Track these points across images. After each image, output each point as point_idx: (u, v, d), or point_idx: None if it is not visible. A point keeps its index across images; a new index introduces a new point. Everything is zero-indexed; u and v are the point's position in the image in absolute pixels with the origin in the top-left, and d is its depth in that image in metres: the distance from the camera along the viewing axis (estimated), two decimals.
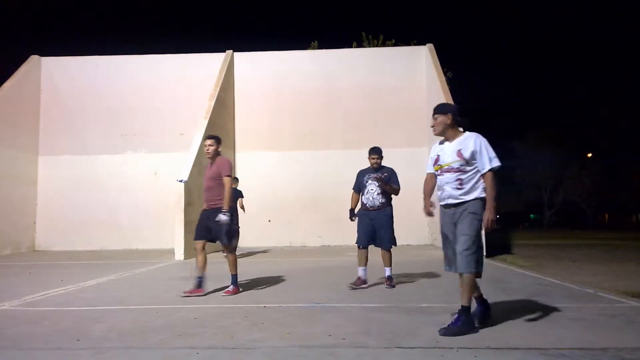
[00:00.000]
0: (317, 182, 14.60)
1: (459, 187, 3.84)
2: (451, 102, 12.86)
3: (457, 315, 3.71)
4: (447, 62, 36.31)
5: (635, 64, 62.14)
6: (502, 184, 45.12)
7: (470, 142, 3.88)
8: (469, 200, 3.83)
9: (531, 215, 61.31)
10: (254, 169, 15.37)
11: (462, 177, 3.85)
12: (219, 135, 5.83)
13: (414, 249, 12.34)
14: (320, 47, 21.38)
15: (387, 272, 5.98)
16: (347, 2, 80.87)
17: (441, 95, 13.34)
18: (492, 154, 3.87)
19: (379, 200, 5.87)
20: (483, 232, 3.87)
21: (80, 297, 5.64)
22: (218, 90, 14.09)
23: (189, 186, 10.95)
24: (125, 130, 15.16)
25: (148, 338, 3.67)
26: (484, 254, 3.92)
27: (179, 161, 12.64)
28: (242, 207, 10.82)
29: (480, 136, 3.93)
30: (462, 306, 3.71)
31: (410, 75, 15.60)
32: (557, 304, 4.84)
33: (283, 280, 6.91)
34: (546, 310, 4.50)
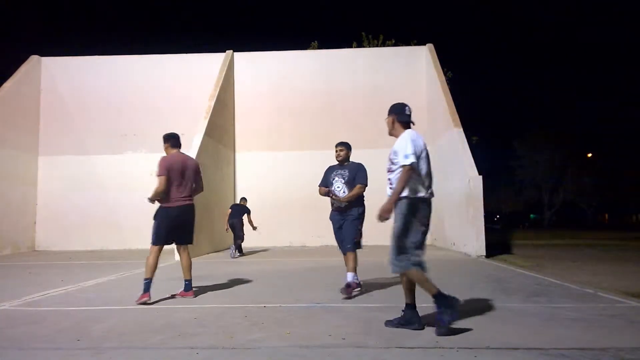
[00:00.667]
0: (317, 182, 14.45)
1: (390, 186, 3.87)
2: (451, 102, 12.88)
3: (438, 309, 3.70)
4: (447, 62, 36.32)
5: (635, 64, 62.20)
6: (502, 184, 45.22)
7: (397, 142, 3.90)
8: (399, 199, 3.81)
9: (531, 215, 61.35)
10: (254, 169, 15.39)
11: (391, 176, 3.87)
12: (171, 133, 5.45)
13: None
14: (320, 47, 21.39)
15: (348, 278, 5.39)
16: (347, 2, 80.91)
17: (441, 95, 13.35)
18: (408, 150, 3.74)
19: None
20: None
21: (80, 297, 5.64)
22: (218, 90, 14.10)
23: None
24: (125, 130, 15.17)
25: (148, 338, 3.67)
26: (412, 251, 3.77)
27: None
28: (250, 223, 11.18)
29: (408, 133, 3.88)
30: (433, 296, 3.72)
31: (410, 75, 15.61)
32: (557, 304, 4.85)
33: (283, 280, 6.91)
34: (546, 310, 4.50)
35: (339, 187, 5.58)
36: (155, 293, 5.18)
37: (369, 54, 17.32)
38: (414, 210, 3.76)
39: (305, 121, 15.41)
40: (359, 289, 5.52)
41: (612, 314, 4.34)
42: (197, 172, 5.43)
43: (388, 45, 21.67)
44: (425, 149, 3.93)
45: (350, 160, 5.73)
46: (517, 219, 56.54)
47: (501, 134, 75.74)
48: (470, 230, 10.41)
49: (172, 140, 5.42)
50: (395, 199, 3.73)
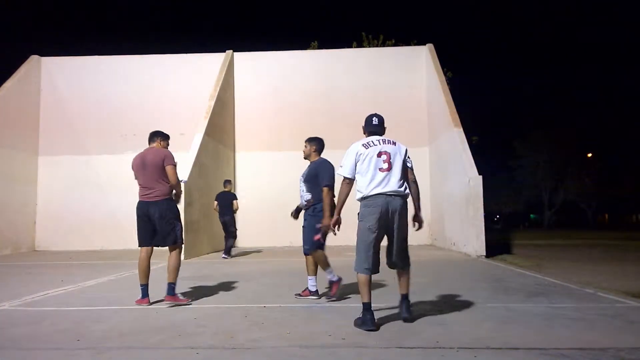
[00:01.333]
0: None
1: None
2: (451, 102, 12.89)
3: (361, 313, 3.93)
4: (447, 62, 36.32)
5: (635, 64, 62.23)
6: (502, 184, 45.16)
7: None
8: None
9: (531, 215, 61.34)
10: (254, 169, 15.39)
11: None
12: (151, 132, 5.51)
13: (414, 249, 12.27)
14: (320, 47, 21.38)
15: (309, 282, 5.21)
16: (347, 2, 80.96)
17: (441, 95, 13.35)
18: (341, 163, 4.12)
19: (304, 198, 5.22)
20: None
21: (80, 297, 5.64)
22: (218, 90, 14.10)
23: (189, 186, 10.92)
24: (125, 130, 15.16)
25: (148, 338, 3.67)
26: (359, 254, 3.99)
27: (179, 161, 12.64)
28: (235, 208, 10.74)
29: (351, 146, 4.15)
30: (363, 303, 3.90)
31: (410, 75, 15.61)
32: (557, 304, 4.85)
33: (283, 280, 6.91)
34: (546, 310, 4.50)
35: (300, 186, 5.26)
36: (155, 293, 5.17)
37: (369, 54, 17.32)
38: (361, 212, 3.99)
39: (305, 121, 15.38)
40: (313, 297, 5.20)
41: (612, 314, 4.34)
42: (161, 165, 5.07)
43: (388, 45, 21.65)
44: (367, 149, 4.02)
45: (321, 157, 5.29)
46: (517, 219, 56.51)
47: (501, 134, 75.69)
48: (470, 230, 10.41)
49: (149, 138, 5.46)
50: (332, 210, 4.35)
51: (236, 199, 10.82)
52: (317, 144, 5.34)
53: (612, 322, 4.03)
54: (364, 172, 3.96)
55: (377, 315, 4.37)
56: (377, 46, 21.78)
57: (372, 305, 3.88)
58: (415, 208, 4.17)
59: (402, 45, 19.08)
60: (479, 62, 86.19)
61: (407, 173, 4.09)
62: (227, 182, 11.16)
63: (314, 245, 5.05)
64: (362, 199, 3.98)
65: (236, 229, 10.86)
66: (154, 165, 5.06)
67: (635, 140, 41.44)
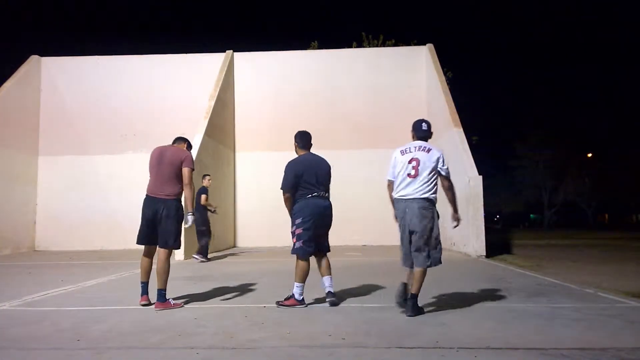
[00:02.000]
0: None
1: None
2: (451, 102, 12.90)
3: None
4: (447, 62, 36.26)
5: (635, 64, 62.22)
6: (502, 184, 45.14)
7: None
8: None
9: (531, 215, 61.29)
10: (254, 169, 15.38)
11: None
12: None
13: None
14: (320, 47, 21.37)
15: (293, 288, 4.77)
16: (347, 2, 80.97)
17: (441, 95, 13.35)
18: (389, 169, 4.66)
19: None
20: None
21: (80, 297, 5.64)
22: (218, 90, 14.09)
23: None
24: (125, 130, 15.16)
25: (148, 338, 3.67)
26: (401, 250, 4.52)
27: None
28: (208, 205, 10.11)
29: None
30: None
31: (410, 75, 15.59)
32: (557, 304, 4.85)
33: (283, 280, 6.90)
34: (546, 310, 4.51)
35: None
36: (156, 292, 5.15)
37: (369, 54, 17.30)
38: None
39: (305, 121, 15.24)
40: (301, 305, 4.76)
41: (612, 314, 4.34)
42: (178, 165, 4.95)
43: (388, 45, 21.65)
44: (402, 155, 4.43)
45: (304, 153, 5.05)
46: (517, 219, 56.49)
47: (501, 134, 75.65)
48: (470, 230, 10.41)
49: (174, 140, 5.41)
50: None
51: (204, 193, 9.98)
52: (298, 139, 5.04)
53: (612, 322, 4.03)
54: (396, 176, 4.44)
55: (377, 314, 4.38)
56: (377, 46, 21.77)
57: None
58: (452, 209, 4.51)
59: (402, 45, 19.08)
60: (479, 62, 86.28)
61: (437, 179, 4.37)
62: (204, 176, 10.40)
63: (292, 248, 4.83)
64: (394, 201, 4.46)
65: (206, 228, 9.91)
66: (171, 163, 4.97)
67: (636, 140, 41.43)
